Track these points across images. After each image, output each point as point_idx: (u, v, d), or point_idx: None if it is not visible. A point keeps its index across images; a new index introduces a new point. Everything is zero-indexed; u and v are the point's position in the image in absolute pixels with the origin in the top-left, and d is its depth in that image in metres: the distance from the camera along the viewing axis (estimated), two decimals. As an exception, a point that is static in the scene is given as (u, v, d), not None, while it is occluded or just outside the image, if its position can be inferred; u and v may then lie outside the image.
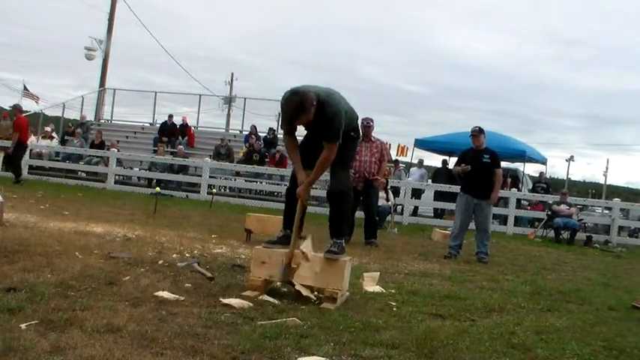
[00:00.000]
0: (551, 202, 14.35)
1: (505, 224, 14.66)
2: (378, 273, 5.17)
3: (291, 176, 4.57)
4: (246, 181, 16.71)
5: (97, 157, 17.08)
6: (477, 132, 7.93)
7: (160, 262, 5.06)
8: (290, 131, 4.44)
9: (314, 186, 4.64)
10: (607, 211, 18.32)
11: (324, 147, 4.28)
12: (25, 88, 26.83)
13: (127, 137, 20.68)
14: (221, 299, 3.83)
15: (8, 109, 19.95)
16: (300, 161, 4.41)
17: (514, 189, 15.84)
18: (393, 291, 4.78)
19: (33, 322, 2.92)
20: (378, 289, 4.74)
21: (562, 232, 13.24)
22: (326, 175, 4.74)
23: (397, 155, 19.44)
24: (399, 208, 14.66)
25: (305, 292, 4.05)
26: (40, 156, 17.51)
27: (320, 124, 4.23)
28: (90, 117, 22.25)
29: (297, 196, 4.33)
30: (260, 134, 18.43)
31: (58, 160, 17.73)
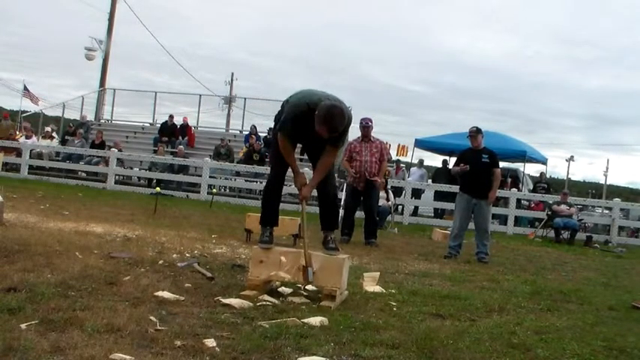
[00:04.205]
0: (551, 202, 14.36)
1: (505, 224, 14.66)
2: (378, 273, 5.17)
3: (274, 175, 4.66)
4: (246, 181, 16.70)
5: (98, 157, 17.09)
6: (475, 132, 7.94)
7: (160, 262, 5.06)
8: (290, 134, 4.43)
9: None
10: (607, 211, 18.33)
11: (329, 150, 4.42)
12: (26, 89, 26.82)
13: (127, 137, 20.66)
14: (221, 299, 3.83)
15: (8, 109, 19.93)
16: (296, 163, 4.53)
17: (514, 189, 15.84)
18: (393, 291, 4.78)
19: (33, 322, 2.92)
20: (378, 289, 4.74)
21: (562, 232, 13.23)
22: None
23: (397, 155, 19.43)
24: (399, 208, 14.66)
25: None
26: (40, 156, 17.49)
27: None
28: (90, 117, 22.26)
29: (302, 197, 4.42)
30: (260, 134, 18.43)
31: (58, 160, 17.72)
